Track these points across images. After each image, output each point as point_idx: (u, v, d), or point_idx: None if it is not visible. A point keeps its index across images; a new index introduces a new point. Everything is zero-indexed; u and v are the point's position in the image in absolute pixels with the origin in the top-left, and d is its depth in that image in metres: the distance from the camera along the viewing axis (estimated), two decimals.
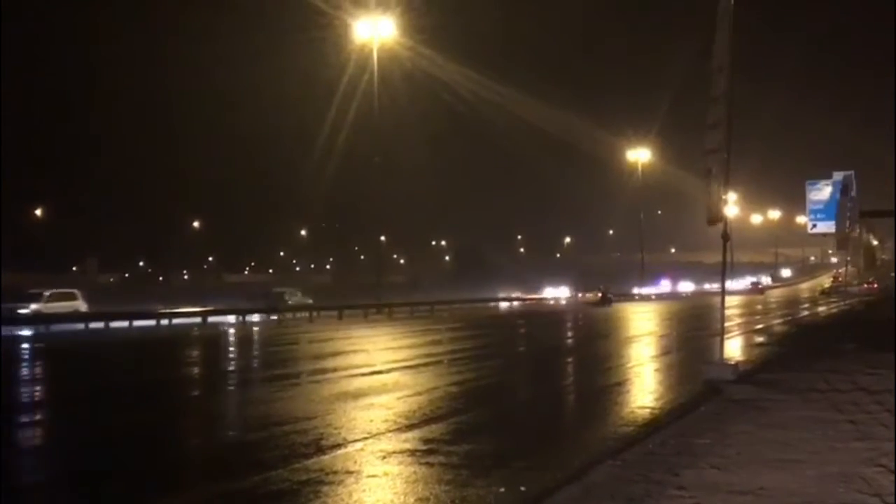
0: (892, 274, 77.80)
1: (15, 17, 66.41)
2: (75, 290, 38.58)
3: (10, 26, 65.64)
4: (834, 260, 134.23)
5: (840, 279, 74.05)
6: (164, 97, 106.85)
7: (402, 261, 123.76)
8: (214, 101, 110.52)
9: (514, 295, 61.53)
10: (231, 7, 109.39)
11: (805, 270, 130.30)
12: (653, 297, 74.97)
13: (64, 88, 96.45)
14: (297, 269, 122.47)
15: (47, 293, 35.82)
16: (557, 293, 68.39)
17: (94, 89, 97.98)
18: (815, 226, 62.42)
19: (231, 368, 18.26)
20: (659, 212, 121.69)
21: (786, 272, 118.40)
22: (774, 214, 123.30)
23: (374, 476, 7.07)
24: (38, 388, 15.53)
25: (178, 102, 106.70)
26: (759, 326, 29.22)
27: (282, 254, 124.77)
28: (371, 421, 9.83)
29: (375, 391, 12.62)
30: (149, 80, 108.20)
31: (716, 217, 13.85)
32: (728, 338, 18.31)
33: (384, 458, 7.77)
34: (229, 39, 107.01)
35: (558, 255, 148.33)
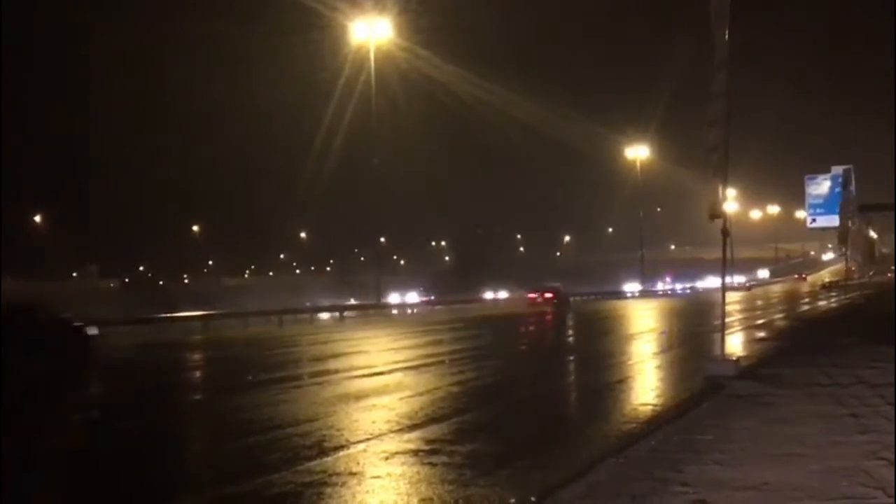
0: (893, 267, 77.95)
1: (13, 23, 66.35)
2: None
3: (8, 32, 65.67)
4: (825, 256, 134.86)
5: (855, 272, 74.34)
6: (161, 101, 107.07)
7: (402, 262, 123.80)
8: (211, 104, 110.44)
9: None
10: (227, 10, 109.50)
11: (794, 268, 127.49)
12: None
13: (62, 94, 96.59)
14: (298, 271, 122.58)
15: None
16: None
17: (92, 95, 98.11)
18: (814, 220, 62.33)
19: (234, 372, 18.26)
20: (658, 209, 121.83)
21: (763, 273, 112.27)
22: (774, 210, 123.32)
23: (377, 477, 7.07)
24: None
25: (176, 106, 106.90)
26: (760, 321, 29.21)
27: (282, 256, 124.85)
28: (373, 422, 9.83)
29: (377, 392, 12.62)
30: (146, 84, 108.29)
31: (716, 213, 13.89)
32: (729, 333, 18.29)
33: (387, 458, 7.77)
34: (226, 43, 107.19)
35: (558, 254, 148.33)
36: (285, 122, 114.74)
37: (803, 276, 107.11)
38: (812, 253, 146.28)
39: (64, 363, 18.00)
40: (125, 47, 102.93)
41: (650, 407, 10.68)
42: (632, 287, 77.83)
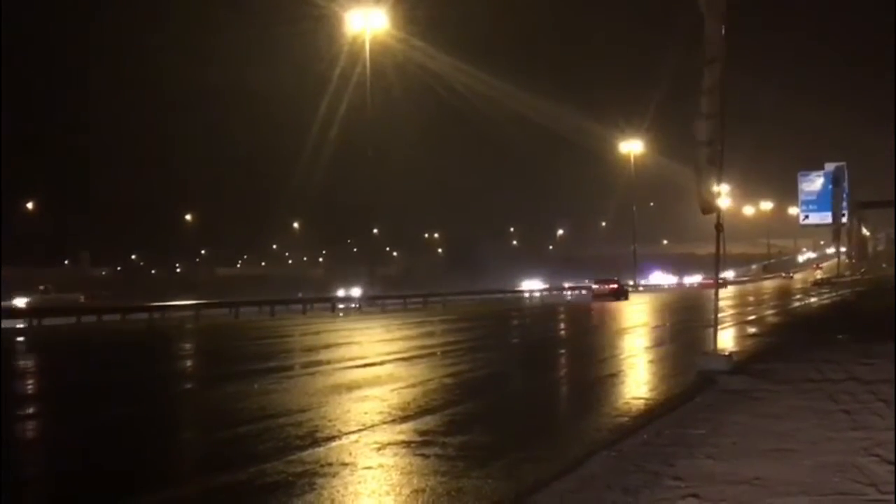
0: (884, 265, 78.18)
1: (10, 9, 65.99)
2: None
3: (4, 17, 65.19)
4: (802, 257, 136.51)
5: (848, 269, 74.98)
6: (156, 90, 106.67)
7: (395, 253, 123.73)
8: (207, 94, 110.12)
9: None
10: (224, 0, 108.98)
11: (777, 266, 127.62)
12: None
13: (58, 81, 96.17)
14: (290, 261, 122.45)
15: None
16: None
17: (87, 83, 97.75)
18: (807, 217, 62.56)
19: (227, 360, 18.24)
20: (651, 203, 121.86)
21: (729, 274, 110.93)
22: (767, 206, 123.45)
23: (369, 468, 7.05)
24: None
25: (171, 95, 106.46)
26: (752, 317, 29.28)
27: (274, 246, 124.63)
28: (366, 413, 9.81)
29: (370, 383, 12.60)
30: (142, 73, 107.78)
31: (709, 207, 13.88)
32: (721, 328, 18.31)
33: (379, 449, 7.75)
34: (221, 32, 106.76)
35: (551, 248, 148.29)
36: (281, 112, 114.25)
37: (819, 266, 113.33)
38: (804, 249, 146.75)
39: None
40: (122, 35, 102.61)
41: (643, 401, 10.68)
42: (531, 285, 65.73)
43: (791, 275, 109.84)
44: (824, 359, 13.19)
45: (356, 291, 51.04)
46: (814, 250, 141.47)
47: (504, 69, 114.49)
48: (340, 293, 50.69)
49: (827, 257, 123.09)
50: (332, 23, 44.28)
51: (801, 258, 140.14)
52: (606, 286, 51.47)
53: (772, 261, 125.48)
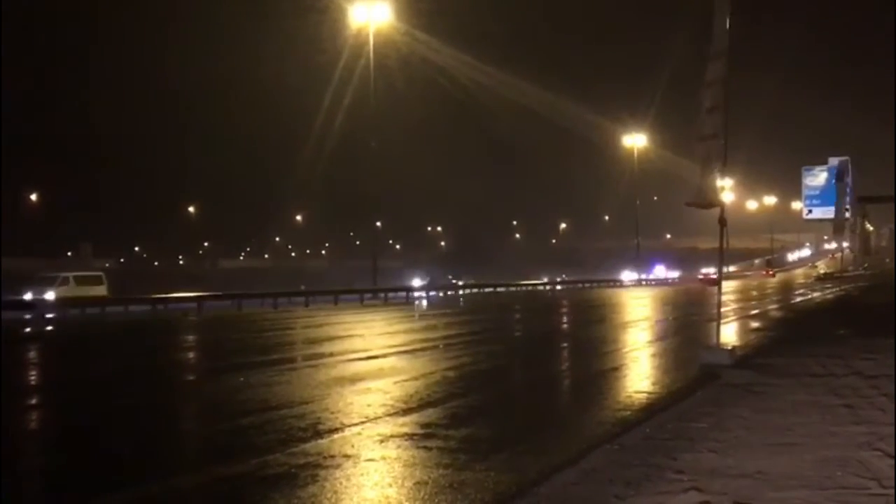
0: (887, 260, 78.03)
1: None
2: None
3: (7, 7, 65.17)
4: (794, 255, 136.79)
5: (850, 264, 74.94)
6: (160, 82, 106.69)
7: (398, 246, 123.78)
8: (211, 86, 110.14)
9: None
10: None
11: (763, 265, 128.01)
12: None
13: (61, 73, 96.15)
14: (293, 254, 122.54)
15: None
16: None
17: (91, 74, 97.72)
18: (810, 211, 62.39)
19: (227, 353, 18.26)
20: (655, 198, 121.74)
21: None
22: (770, 200, 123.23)
23: (371, 460, 7.07)
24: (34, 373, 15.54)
25: (175, 87, 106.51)
26: (755, 312, 29.27)
27: (277, 239, 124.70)
28: (368, 405, 9.82)
29: (372, 376, 12.62)
30: (146, 65, 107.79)
31: (709, 202, 13.84)
32: (724, 323, 18.31)
33: (382, 442, 7.77)
34: (226, 25, 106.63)
35: (554, 241, 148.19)
36: (284, 104, 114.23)
37: (834, 255, 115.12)
38: (807, 244, 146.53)
39: None
40: (126, 26, 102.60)
41: (645, 394, 10.69)
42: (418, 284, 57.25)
43: (817, 265, 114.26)
44: (827, 353, 13.19)
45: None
46: (815, 246, 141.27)
47: (508, 61, 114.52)
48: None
49: (823, 252, 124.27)
50: (336, 15, 44.29)
51: (790, 256, 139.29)
52: (711, 275, 63.29)
53: (774, 255, 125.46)
